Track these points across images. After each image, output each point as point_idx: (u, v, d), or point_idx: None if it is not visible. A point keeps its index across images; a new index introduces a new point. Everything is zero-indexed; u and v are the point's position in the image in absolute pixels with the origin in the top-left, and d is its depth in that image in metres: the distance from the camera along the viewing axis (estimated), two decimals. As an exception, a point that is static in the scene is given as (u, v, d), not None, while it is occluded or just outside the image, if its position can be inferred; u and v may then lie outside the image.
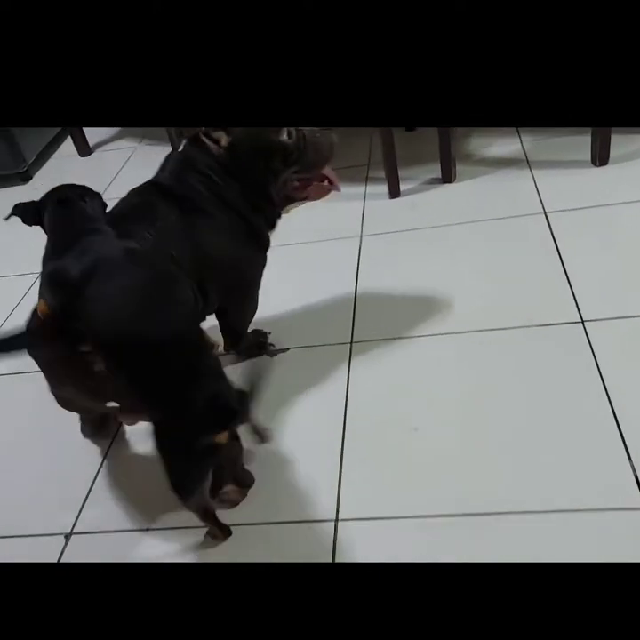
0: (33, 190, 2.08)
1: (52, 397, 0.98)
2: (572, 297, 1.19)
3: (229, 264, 1.06)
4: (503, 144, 1.72)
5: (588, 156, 1.56)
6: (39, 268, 0.92)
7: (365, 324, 1.25)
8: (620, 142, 1.57)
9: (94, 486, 1.06)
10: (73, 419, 1.09)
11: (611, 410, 0.98)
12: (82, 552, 0.97)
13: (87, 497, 1.04)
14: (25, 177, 2.12)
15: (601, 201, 1.42)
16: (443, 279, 1.31)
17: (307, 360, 1.20)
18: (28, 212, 0.97)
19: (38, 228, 0.97)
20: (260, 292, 1.15)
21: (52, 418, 1.08)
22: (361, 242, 1.48)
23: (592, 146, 1.54)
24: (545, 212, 1.43)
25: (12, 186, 2.11)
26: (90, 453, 1.11)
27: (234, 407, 0.83)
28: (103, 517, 1.01)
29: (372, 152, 1.83)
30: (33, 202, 0.97)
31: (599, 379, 1.03)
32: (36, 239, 0.97)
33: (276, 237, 1.13)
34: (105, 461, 1.10)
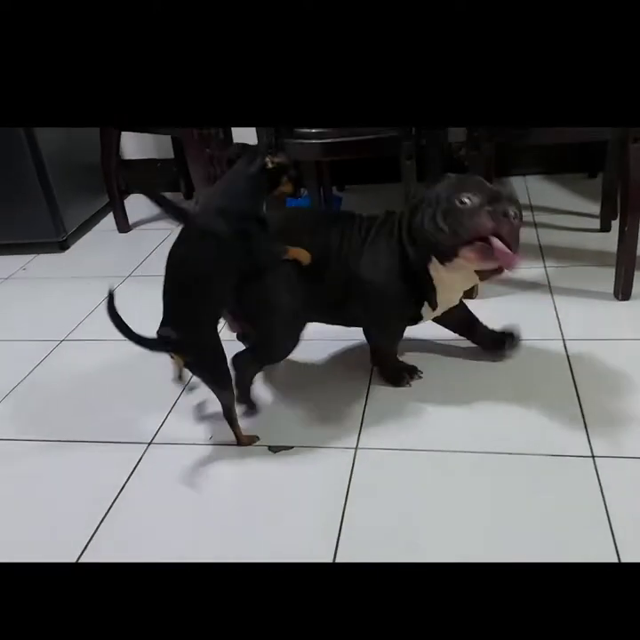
0: (69, 260, 2.16)
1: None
2: (584, 430, 1.17)
3: (372, 293, 1.22)
4: (527, 266, 1.75)
5: (611, 289, 1.58)
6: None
7: (374, 429, 1.24)
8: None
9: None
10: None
11: (614, 546, 0.94)
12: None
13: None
14: (63, 246, 2.21)
15: (620, 335, 1.42)
16: (453, 391, 1.30)
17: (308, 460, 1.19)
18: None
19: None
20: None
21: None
22: (377, 347, 1.49)
23: (616, 279, 1.56)
24: (563, 339, 1.43)
25: (50, 253, 2.19)
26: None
27: None
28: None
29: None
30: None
31: (605, 517, 0.99)
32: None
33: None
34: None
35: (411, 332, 1.34)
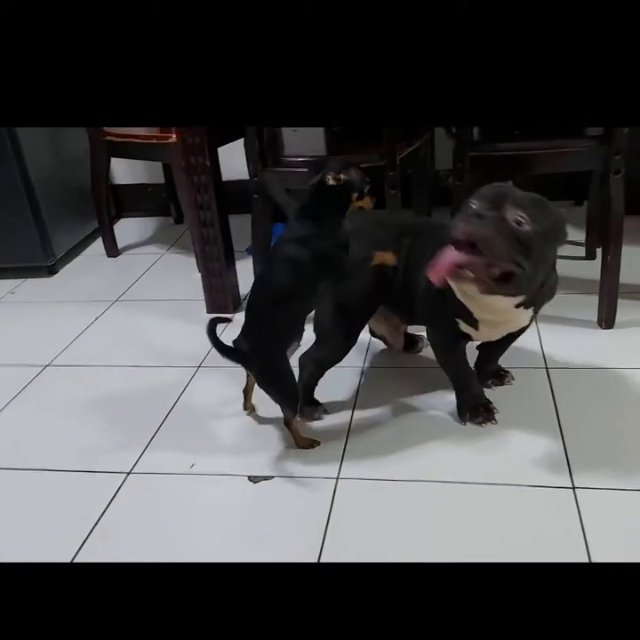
0: (57, 284, 2.16)
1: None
2: (565, 461, 1.17)
3: (419, 299, 1.24)
4: (513, 294, 1.76)
5: (595, 317, 1.58)
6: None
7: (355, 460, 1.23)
8: (628, 307, 1.60)
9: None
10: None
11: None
12: None
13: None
14: (52, 270, 2.21)
15: (604, 363, 1.42)
16: (433, 422, 1.30)
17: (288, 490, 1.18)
18: None
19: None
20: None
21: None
22: (362, 370, 1.49)
23: (599, 308, 1.57)
24: (546, 368, 1.43)
25: (39, 277, 2.19)
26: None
27: None
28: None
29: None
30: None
31: (585, 548, 0.99)
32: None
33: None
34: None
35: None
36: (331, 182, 1.11)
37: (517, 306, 1.11)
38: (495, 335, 1.24)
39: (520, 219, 1.00)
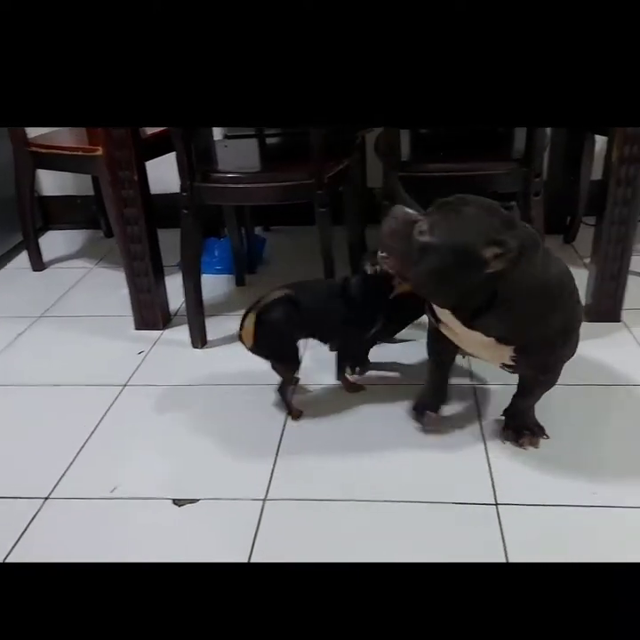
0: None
1: None
2: (490, 478, 1.19)
3: None
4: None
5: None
6: None
7: (283, 480, 1.22)
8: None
9: None
10: None
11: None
12: None
13: None
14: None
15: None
16: (364, 444, 1.30)
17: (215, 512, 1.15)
18: None
19: None
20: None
21: None
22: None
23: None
24: (474, 385, 1.45)
25: (-44, 291, 2.09)
26: None
27: None
28: None
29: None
30: None
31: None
32: None
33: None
34: None
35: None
36: (371, 272, 1.30)
37: (468, 326, 1.08)
38: (466, 348, 1.20)
39: (421, 227, 1.02)
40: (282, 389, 1.39)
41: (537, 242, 1.04)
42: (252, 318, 1.29)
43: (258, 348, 1.33)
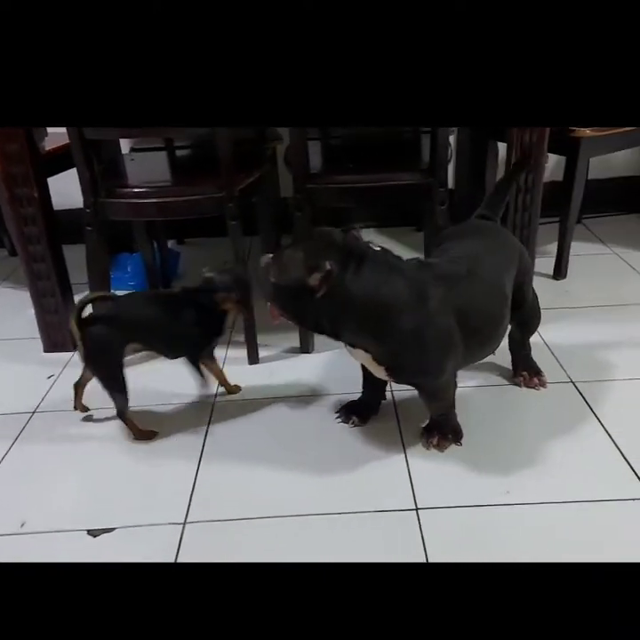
0: None
1: None
2: (409, 484, 1.21)
3: None
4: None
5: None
6: None
7: (203, 502, 1.19)
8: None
9: None
10: None
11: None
12: None
13: None
14: None
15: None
16: (285, 457, 1.29)
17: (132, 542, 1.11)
18: None
19: None
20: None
21: None
22: (213, 407, 1.45)
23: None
24: (392, 391, 1.47)
25: None
26: None
27: None
28: None
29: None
30: None
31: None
32: None
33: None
34: None
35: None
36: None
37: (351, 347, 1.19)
38: (363, 363, 1.25)
39: (267, 270, 1.14)
40: (120, 415, 1.34)
41: (363, 258, 1.10)
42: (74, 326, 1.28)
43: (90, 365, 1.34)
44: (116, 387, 1.31)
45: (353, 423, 1.36)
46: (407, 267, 1.15)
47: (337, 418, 1.38)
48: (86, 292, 1.44)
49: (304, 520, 1.14)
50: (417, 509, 1.15)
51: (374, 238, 2.40)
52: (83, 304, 1.28)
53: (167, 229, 2.17)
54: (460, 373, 1.30)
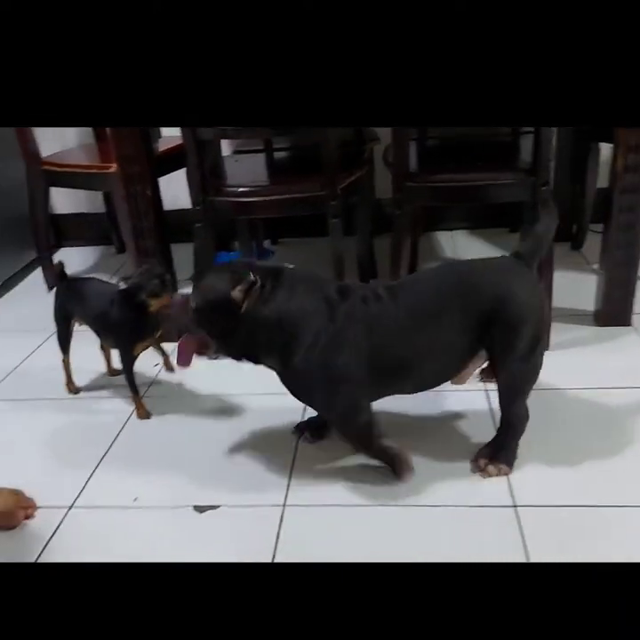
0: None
1: None
2: (506, 480, 1.20)
3: None
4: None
5: (531, 340, 1.64)
6: None
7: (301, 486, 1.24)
8: (562, 329, 1.67)
9: None
10: None
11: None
12: None
13: None
14: (-17, 303, 2.14)
15: (539, 384, 1.46)
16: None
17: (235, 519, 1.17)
18: None
19: None
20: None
21: None
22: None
23: (534, 330, 1.63)
24: (486, 389, 1.47)
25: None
26: None
27: None
28: None
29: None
30: None
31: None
32: None
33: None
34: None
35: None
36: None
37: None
38: None
39: (190, 301, 1.17)
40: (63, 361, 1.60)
41: (278, 276, 1.15)
42: None
43: None
44: (58, 337, 1.58)
45: (305, 439, 1.35)
46: (323, 290, 1.16)
47: (293, 433, 1.37)
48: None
49: (401, 510, 1.16)
50: (515, 506, 1.14)
51: (467, 239, 2.41)
52: (60, 265, 1.55)
53: (264, 229, 2.25)
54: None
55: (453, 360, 1.20)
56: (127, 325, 1.44)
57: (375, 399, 1.22)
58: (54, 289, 1.58)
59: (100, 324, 1.51)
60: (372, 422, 1.20)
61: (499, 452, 1.23)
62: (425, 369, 1.19)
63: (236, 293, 1.11)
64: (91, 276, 1.66)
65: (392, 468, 1.22)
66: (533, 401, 1.42)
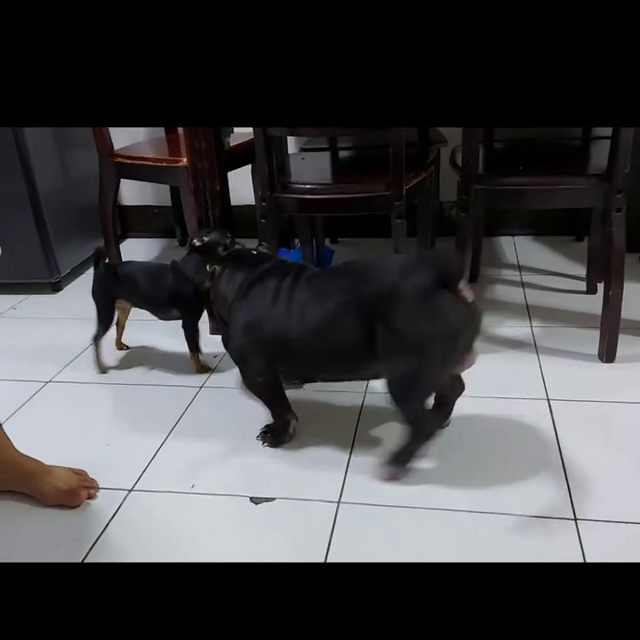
0: (60, 301, 2.17)
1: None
2: (567, 492, 1.18)
3: None
4: (513, 325, 1.78)
5: (596, 351, 1.60)
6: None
7: (356, 484, 1.24)
8: (629, 341, 1.62)
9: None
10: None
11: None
12: None
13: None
14: (56, 287, 2.22)
15: (604, 397, 1.44)
16: (437, 447, 1.30)
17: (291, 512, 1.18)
18: None
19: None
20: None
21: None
22: (364, 398, 1.50)
23: (600, 341, 1.59)
24: (548, 399, 1.44)
25: (42, 294, 2.21)
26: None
27: None
28: None
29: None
30: None
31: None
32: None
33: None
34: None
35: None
36: (197, 244, 1.41)
37: None
38: None
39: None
40: (95, 340, 1.68)
41: (237, 258, 1.36)
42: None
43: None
44: (100, 317, 1.66)
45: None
46: (257, 268, 1.31)
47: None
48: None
49: (455, 515, 1.15)
50: (576, 520, 1.11)
51: (530, 245, 2.37)
52: (100, 249, 1.68)
53: (325, 227, 2.26)
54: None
55: (348, 353, 1.20)
56: (195, 289, 1.50)
57: (275, 365, 1.31)
58: (93, 272, 1.68)
59: (158, 299, 1.60)
60: (261, 376, 1.31)
61: (398, 453, 1.24)
62: (318, 355, 1.24)
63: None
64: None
65: (273, 427, 1.37)
66: (594, 412, 1.39)
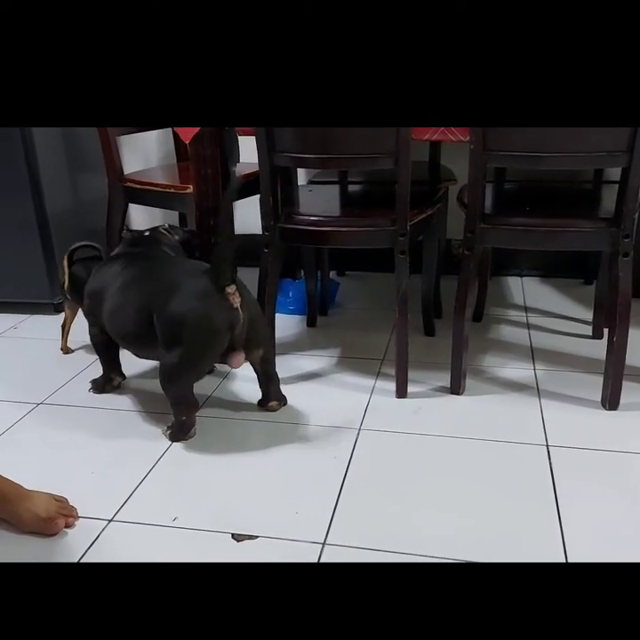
0: (61, 321, 2.15)
1: None
2: (560, 538, 1.13)
3: None
4: (516, 367, 1.74)
5: (599, 397, 1.56)
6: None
7: (344, 526, 1.19)
8: (633, 389, 1.58)
9: None
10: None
11: None
12: None
13: None
14: (58, 308, 2.21)
15: (606, 445, 1.39)
16: (430, 490, 1.26)
17: (274, 552, 1.13)
18: None
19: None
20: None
21: None
22: (358, 435, 1.46)
23: (603, 388, 1.55)
24: (547, 445, 1.40)
25: (43, 314, 2.20)
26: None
27: None
28: None
29: (388, 349, 1.87)
30: None
31: None
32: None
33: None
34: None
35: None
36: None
37: None
38: None
39: None
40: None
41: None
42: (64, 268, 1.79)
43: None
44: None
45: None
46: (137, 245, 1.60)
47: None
48: (277, 314, 1.53)
49: (441, 563, 1.10)
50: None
51: (537, 286, 2.34)
52: (73, 249, 1.77)
53: (331, 260, 2.25)
54: None
55: (135, 335, 1.45)
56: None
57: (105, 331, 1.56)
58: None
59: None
60: (96, 337, 1.62)
61: (173, 429, 1.47)
62: (119, 331, 1.49)
63: None
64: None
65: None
66: (594, 461, 1.35)
